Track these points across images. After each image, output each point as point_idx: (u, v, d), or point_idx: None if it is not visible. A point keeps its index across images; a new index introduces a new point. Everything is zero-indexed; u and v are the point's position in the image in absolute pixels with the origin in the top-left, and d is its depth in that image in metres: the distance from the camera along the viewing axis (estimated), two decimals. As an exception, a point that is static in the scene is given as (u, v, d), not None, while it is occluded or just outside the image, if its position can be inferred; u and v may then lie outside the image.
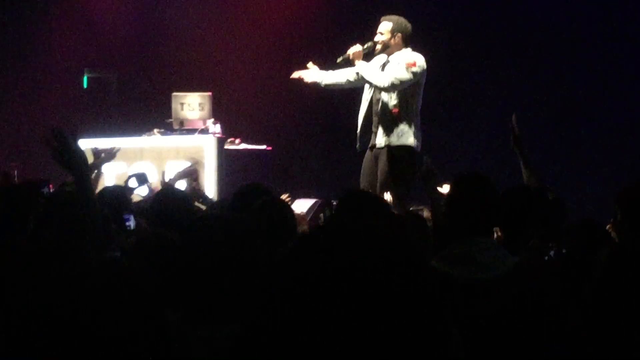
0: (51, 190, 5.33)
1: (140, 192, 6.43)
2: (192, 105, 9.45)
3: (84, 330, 1.86)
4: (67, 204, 3.90)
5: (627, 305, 2.42)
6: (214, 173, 9.03)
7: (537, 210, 4.35)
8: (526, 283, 3.29)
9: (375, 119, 7.82)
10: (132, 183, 6.25)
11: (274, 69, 11.69)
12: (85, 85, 11.43)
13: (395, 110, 7.74)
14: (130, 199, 5.73)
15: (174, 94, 9.58)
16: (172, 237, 3.23)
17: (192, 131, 9.40)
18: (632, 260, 2.44)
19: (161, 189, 5.65)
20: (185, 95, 9.54)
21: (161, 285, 2.46)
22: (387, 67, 7.79)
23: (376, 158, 7.74)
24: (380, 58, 7.87)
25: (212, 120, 9.47)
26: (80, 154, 3.67)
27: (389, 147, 7.66)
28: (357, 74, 7.81)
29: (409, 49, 7.80)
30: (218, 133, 9.39)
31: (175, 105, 9.49)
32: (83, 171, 3.65)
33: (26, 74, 12.02)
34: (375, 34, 7.86)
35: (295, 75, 8.16)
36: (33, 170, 9.66)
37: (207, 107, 9.47)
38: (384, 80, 7.67)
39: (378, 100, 7.80)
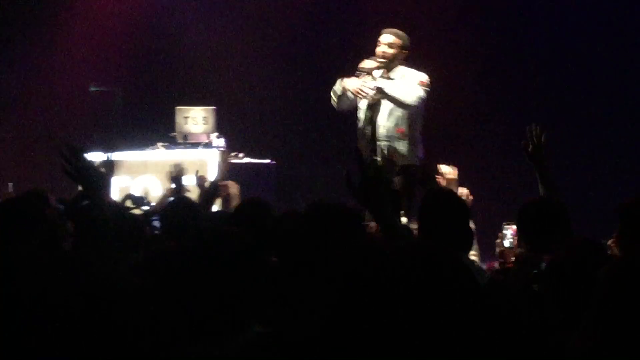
0: (56, 203, 5.33)
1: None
2: (196, 119, 9.46)
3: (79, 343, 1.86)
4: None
5: (627, 320, 2.42)
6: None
7: (558, 222, 4.31)
8: (494, 300, 3.25)
9: (382, 140, 7.72)
10: (129, 203, 6.26)
11: (278, 83, 11.71)
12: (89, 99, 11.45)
13: (402, 130, 7.70)
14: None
15: (178, 107, 9.60)
16: (180, 251, 3.23)
17: (195, 145, 9.41)
18: (632, 275, 2.44)
19: (175, 198, 5.67)
20: (189, 109, 9.56)
21: (164, 300, 2.47)
22: (397, 83, 7.71)
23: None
24: (375, 72, 7.81)
25: (216, 134, 9.48)
26: (93, 168, 3.69)
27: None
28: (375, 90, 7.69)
29: (407, 67, 7.79)
30: (222, 147, 9.40)
31: (179, 119, 9.51)
32: (97, 185, 3.67)
33: (31, 88, 12.04)
34: (376, 45, 7.79)
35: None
36: (38, 184, 9.65)
37: (211, 121, 9.48)
38: (412, 98, 7.63)
39: (386, 119, 7.72)
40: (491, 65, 11.40)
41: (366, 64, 7.75)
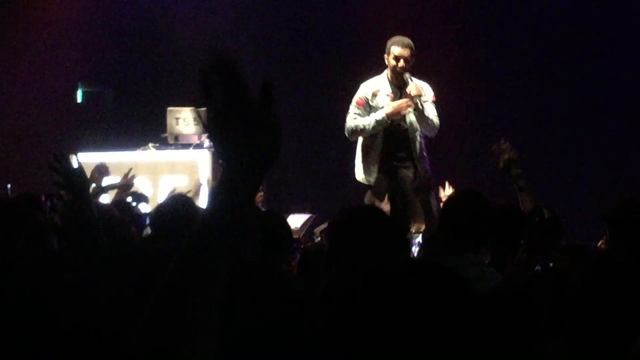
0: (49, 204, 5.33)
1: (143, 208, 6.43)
2: (187, 120, 9.45)
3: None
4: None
5: (607, 314, 2.44)
6: (209, 188, 9.03)
7: (527, 234, 4.34)
8: (509, 299, 3.28)
9: (413, 150, 7.58)
10: (129, 200, 6.26)
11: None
12: (80, 100, 11.43)
13: (424, 141, 7.66)
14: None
15: (169, 108, 9.58)
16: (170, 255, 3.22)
17: (187, 146, 9.40)
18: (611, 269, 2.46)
19: (167, 199, 5.65)
20: (181, 110, 9.54)
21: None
22: (430, 107, 7.54)
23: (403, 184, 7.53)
24: (384, 86, 7.58)
25: (207, 135, 9.47)
26: (79, 174, 3.69)
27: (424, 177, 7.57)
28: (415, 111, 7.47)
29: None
30: (213, 148, 9.39)
31: (170, 120, 9.49)
32: (82, 190, 3.67)
33: (20, 89, 12.02)
34: (395, 59, 7.48)
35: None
36: (26, 187, 9.64)
37: (202, 121, 9.47)
38: (437, 122, 7.54)
39: (412, 125, 7.57)
40: (480, 73, 11.43)
41: (411, 86, 7.43)
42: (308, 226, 9.04)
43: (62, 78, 11.85)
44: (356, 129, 7.56)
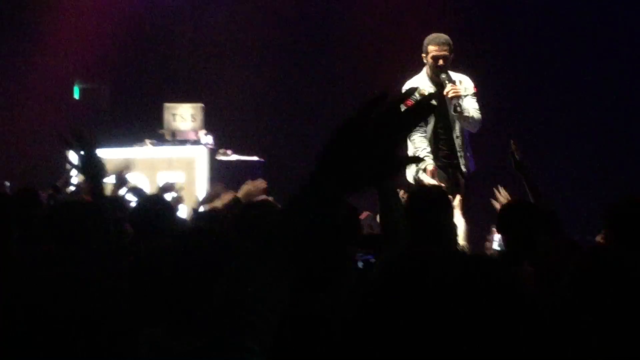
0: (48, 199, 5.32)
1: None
2: (184, 116, 9.44)
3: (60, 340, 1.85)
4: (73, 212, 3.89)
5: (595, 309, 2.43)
6: (206, 184, 9.01)
7: (541, 224, 4.36)
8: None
9: (460, 142, 7.48)
10: (129, 196, 6.24)
11: (266, 80, 11.69)
12: (76, 96, 11.41)
13: (467, 138, 7.55)
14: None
15: (166, 104, 9.57)
16: (164, 251, 3.21)
17: (184, 142, 9.39)
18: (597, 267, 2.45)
19: (146, 196, 5.64)
20: (177, 106, 9.53)
21: (145, 299, 2.45)
22: (472, 101, 7.45)
23: (457, 179, 7.41)
24: (425, 85, 7.38)
25: (204, 131, 9.46)
26: (101, 164, 3.73)
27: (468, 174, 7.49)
28: (457, 108, 7.30)
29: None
30: (210, 144, 9.38)
31: (167, 116, 9.47)
32: (99, 180, 3.72)
33: (17, 85, 11.99)
34: (436, 57, 7.34)
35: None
36: (24, 183, 9.62)
37: (199, 118, 9.46)
38: (479, 117, 7.43)
39: (455, 123, 7.45)
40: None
41: (447, 88, 7.28)
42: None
43: (59, 75, 11.83)
44: (411, 142, 7.35)
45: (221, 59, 11.79)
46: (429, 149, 7.29)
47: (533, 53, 11.34)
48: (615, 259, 2.43)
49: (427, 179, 7.03)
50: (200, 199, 6.73)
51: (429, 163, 7.21)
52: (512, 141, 5.40)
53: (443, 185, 6.88)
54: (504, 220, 4.49)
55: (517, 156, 5.39)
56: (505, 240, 4.50)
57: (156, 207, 4.83)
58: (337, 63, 11.60)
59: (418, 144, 7.29)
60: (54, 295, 1.88)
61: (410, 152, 7.25)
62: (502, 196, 5.98)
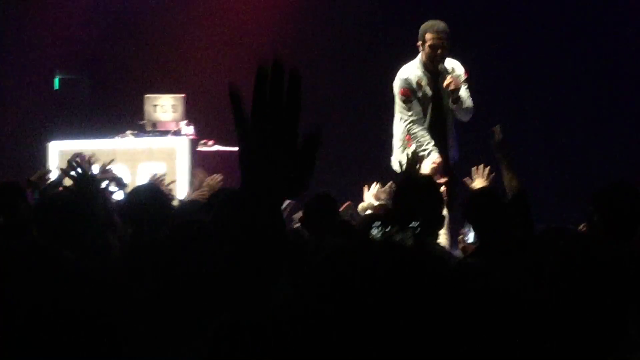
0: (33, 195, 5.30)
1: (117, 197, 6.41)
2: (165, 107, 9.42)
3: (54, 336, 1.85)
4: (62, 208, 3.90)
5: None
6: (187, 175, 9.00)
7: (511, 213, 4.37)
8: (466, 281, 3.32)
9: (450, 132, 7.40)
10: (112, 187, 6.23)
11: (248, 70, 11.67)
12: (56, 87, 11.35)
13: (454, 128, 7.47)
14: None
15: (147, 95, 9.54)
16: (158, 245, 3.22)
17: (165, 133, 9.37)
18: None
19: (135, 187, 5.63)
20: (158, 97, 9.51)
21: (143, 294, 2.46)
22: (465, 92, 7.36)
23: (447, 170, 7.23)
24: (418, 70, 7.23)
25: (185, 122, 9.45)
26: (89, 179, 3.77)
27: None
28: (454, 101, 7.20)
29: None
30: (191, 135, 9.37)
31: (148, 107, 9.45)
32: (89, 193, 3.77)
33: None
34: (435, 46, 7.15)
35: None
36: (4, 176, 9.57)
37: (180, 108, 9.44)
38: (471, 107, 7.35)
39: (448, 113, 7.36)
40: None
41: (447, 80, 7.17)
42: (287, 212, 9.02)
43: (39, 65, 11.76)
44: (418, 145, 7.16)
45: (203, 50, 11.76)
46: (433, 142, 7.12)
47: (516, 41, 11.36)
48: (600, 249, 2.45)
49: (427, 167, 6.90)
50: (181, 189, 6.74)
51: (436, 156, 7.04)
52: (497, 126, 5.31)
53: (443, 180, 6.71)
54: (469, 210, 4.47)
55: (497, 137, 5.24)
56: (475, 232, 4.48)
57: (156, 197, 4.83)
58: (317, 52, 11.59)
59: (421, 138, 7.13)
60: (42, 288, 1.88)
61: (412, 147, 7.08)
62: (479, 176, 5.93)
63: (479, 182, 5.74)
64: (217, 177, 6.87)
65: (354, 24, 11.54)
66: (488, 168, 5.80)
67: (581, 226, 4.47)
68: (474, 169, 5.93)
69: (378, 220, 4.01)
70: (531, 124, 11.18)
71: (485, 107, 9.76)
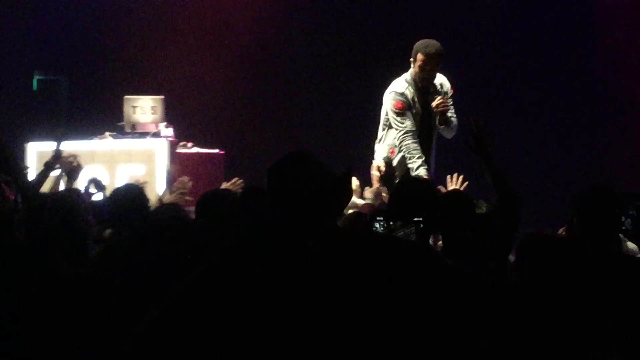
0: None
1: (96, 198, 6.39)
2: (144, 108, 9.38)
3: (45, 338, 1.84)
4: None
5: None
6: (166, 177, 8.98)
7: (475, 216, 4.36)
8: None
9: (433, 149, 7.49)
10: (92, 189, 6.21)
11: (227, 72, 11.67)
12: (35, 88, 11.29)
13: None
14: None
15: (126, 97, 9.50)
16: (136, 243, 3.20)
17: (144, 135, 9.34)
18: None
19: (114, 189, 5.62)
20: (138, 99, 9.47)
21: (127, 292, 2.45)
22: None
23: None
24: (409, 86, 7.31)
25: (165, 123, 9.42)
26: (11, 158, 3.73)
27: None
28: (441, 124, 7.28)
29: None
30: (170, 136, 9.34)
31: (127, 108, 9.41)
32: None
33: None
34: (430, 65, 7.21)
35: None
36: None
37: (160, 110, 9.41)
38: (455, 121, 7.40)
39: (434, 130, 7.43)
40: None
41: (437, 101, 7.26)
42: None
43: (17, 66, 11.70)
44: (409, 157, 7.22)
45: (182, 51, 11.74)
46: (423, 157, 7.17)
47: (501, 49, 11.41)
48: (580, 251, 2.46)
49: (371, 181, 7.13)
50: (162, 192, 6.72)
51: (424, 173, 7.11)
52: (473, 119, 4.65)
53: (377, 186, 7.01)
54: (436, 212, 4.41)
55: (477, 127, 4.59)
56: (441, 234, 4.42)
57: (135, 199, 4.85)
58: (297, 55, 11.61)
59: (413, 150, 7.19)
60: (26, 288, 1.87)
61: (400, 156, 7.21)
62: (453, 185, 5.97)
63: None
64: (185, 179, 6.94)
65: (334, 29, 11.55)
66: (462, 177, 5.87)
67: (561, 230, 4.49)
68: (448, 177, 6.03)
69: (364, 218, 4.01)
70: (513, 128, 11.23)
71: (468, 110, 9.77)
